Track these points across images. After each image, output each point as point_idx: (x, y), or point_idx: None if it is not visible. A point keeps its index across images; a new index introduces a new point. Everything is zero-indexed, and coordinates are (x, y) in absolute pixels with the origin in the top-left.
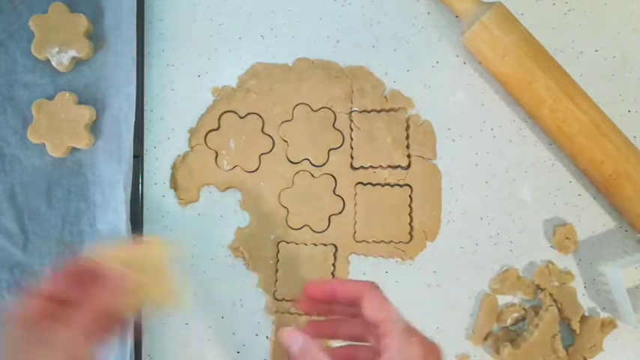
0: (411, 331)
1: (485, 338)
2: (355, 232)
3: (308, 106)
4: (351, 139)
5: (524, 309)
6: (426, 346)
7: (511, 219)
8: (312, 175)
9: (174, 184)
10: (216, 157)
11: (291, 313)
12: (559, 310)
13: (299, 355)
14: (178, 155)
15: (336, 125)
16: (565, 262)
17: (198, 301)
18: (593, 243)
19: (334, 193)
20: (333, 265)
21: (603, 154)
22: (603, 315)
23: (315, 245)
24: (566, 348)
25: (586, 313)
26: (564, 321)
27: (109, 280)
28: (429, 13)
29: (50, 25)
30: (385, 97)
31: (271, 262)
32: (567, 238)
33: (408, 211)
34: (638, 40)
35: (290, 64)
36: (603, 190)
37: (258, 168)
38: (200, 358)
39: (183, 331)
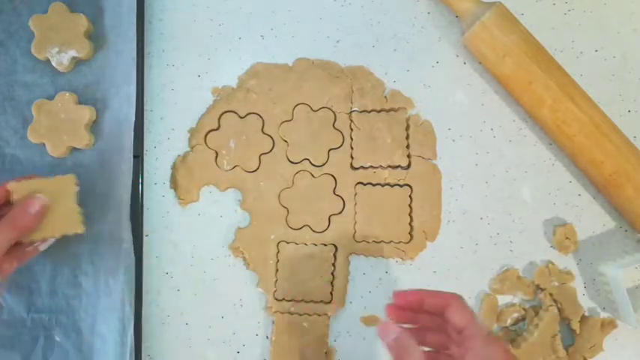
0: (493, 337)
1: None
2: (355, 232)
3: (308, 106)
4: (351, 139)
5: (524, 309)
6: (507, 352)
7: (511, 219)
8: (312, 175)
9: (174, 184)
10: (216, 157)
11: (291, 313)
12: (559, 310)
13: (393, 344)
14: (178, 155)
15: (336, 125)
16: (565, 262)
17: (198, 301)
18: (593, 243)
19: (334, 193)
20: (333, 265)
21: (603, 154)
22: (603, 315)
23: (315, 245)
24: (566, 348)
25: (586, 313)
26: (564, 321)
27: (25, 204)
28: (429, 13)
29: (50, 25)
30: (385, 97)
31: (271, 262)
32: (567, 238)
33: (408, 211)
34: (638, 40)
35: (290, 64)
36: (603, 190)
37: (258, 168)
38: (200, 358)
39: (183, 331)
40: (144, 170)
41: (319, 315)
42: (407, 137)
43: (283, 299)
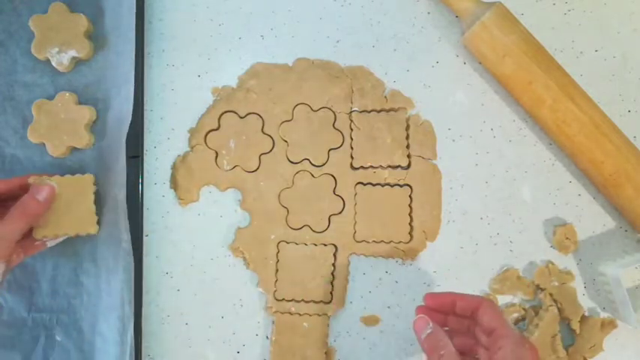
0: (524, 338)
1: None
2: (355, 232)
3: (308, 106)
4: (351, 139)
5: (524, 309)
6: (537, 355)
7: (511, 219)
8: (312, 175)
9: (174, 184)
10: (216, 157)
11: (292, 313)
12: (559, 310)
13: (427, 339)
14: (178, 155)
15: (336, 125)
16: (565, 262)
17: (198, 301)
18: (593, 243)
19: (334, 193)
20: (333, 265)
21: (603, 154)
22: (603, 315)
23: (315, 245)
24: (566, 348)
25: (586, 313)
26: (564, 321)
27: (37, 190)
28: (429, 13)
29: (50, 25)
30: (385, 97)
31: (271, 262)
32: (567, 238)
33: (408, 211)
34: (638, 40)
35: (290, 64)
36: (603, 190)
37: (258, 168)
38: (200, 358)
39: (183, 331)
40: (144, 170)
41: (319, 315)
42: (407, 137)
43: (283, 299)
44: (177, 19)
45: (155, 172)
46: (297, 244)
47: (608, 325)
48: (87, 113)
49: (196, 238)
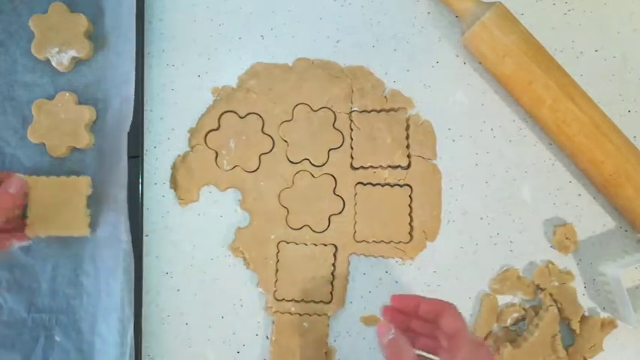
0: (482, 342)
1: (486, 338)
2: (355, 232)
3: (308, 106)
4: (351, 139)
5: (524, 309)
6: (494, 357)
7: (511, 219)
8: (312, 175)
9: (174, 184)
10: (216, 157)
11: (292, 314)
12: (559, 310)
13: (388, 344)
14: (178, 155)
15: (336, 125)
16: (565, 262)
17: (198, 301)
18: (593, 243)
19: (334, 193)
20: (333, 265)
21: (603, 154)
22: (603, 315)
23: (315, 245)
24: (566, 348)
25: (586, 313)
26: (564, 321)
27: (8, 183)
28: (429, 13)
29: (50, 25)
30: (385, 97)
31: (271, 262)
32: (567, 238)
33: (408, 211)
34: (638, 40)
35: (290, 64)
36: (603, 190)
37: (258, 168)
38: (200, 358)
39: (183, 331)
40: (144, 170)
41: (319, 315)
42: (407, 137)
43: (283, 299)
44: (177, 19)
45: (155, 172)
46: (297, 244)
47: (608, 325)
48: (87, 113)
49: (196, 238)
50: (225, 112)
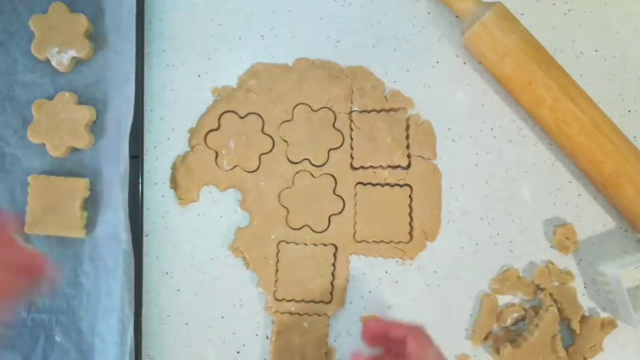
0: None
1: (485, 338)
2: (355, 232)
3: (308, 106)
4: (351, 139)
5: (524, 309)
6: None
7: (511, 219)
8: (312, 175)
9: (174, 184)
10: (216, 157)
11: (292, 314)
12: (559, 310)
13: None
14: (178, 155)
15: (336, 125)
16: (565, 262)
17: (198, 301)
18: (593, 243)
19: (334, 193)
20: (333, 265)
21: (603, 154)
22: (603, 315)
23: (315, 245)
24: (566, 348)
25: (586, 313)
26: (564, 321)
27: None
28: (429, 13)
29: (50, 25)
30: (385, 97)
31: (271, 262)
32: (567, 238)
33: (408, 211)
34: (638, 40)
35: (290, 64)
36: (603, 190)
37: (258, 168)
38: (200, 358)
39: (183, 331)
40: (144, 170)
41: (319, 315)
42: (407, 137)
43: (283, 299)
44: (177, 19)
45: (155, 172)
46: (297, 244)
47: (608, 325)
48: (87, 113)
49: (196, 238)
50: (225, 112)
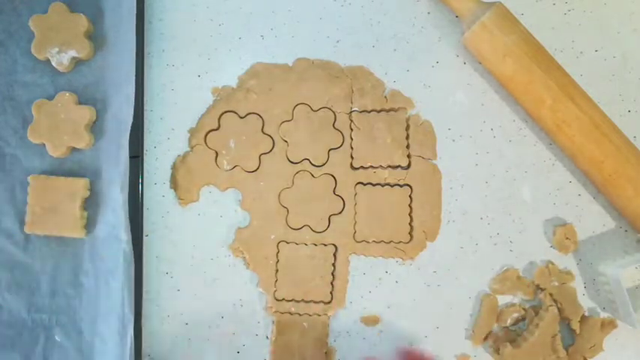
0: None
1: (485, 338)
2: (355, 232)
3: (308, 106)
4: (351, 139)
5: (524, 309)
6: None
7: (511, 219)
8: (312, 175)
9: (174, 184)
10: (216, 157)
11: (292, 314)
12: (559, 310)
13: None
14: (178, 155)
15: (336, 125)
16: (565, 262)
17: (198, 301)
18: (593, 243)
19: (334, 193)
20: (333, 265)
21: (603, 154)
22: (603, 315)
23: (315, 245)
24: (566, 348)
25: (586, 313)
26: (564, 321)
27: None
28: (429, 13)
29: (50, 25)
30: (385, 97)
31: (271, 262)
32: (567, 238)
33: (408, 211)
34: (638, 40)
35: (290, 64)
36: (603, 190)
37: (258, 168)
38: (200, 358)
39: (183, 331)
40: (144, 170)
41: (319, 315)
42: (407, 137)
43: (283, 299)
44: (177, 19)
45: (155, 172)
46: (297, 244)
47: (608, 325)
48: (87, 113)
49: (196, 238)
50: (225, 112)
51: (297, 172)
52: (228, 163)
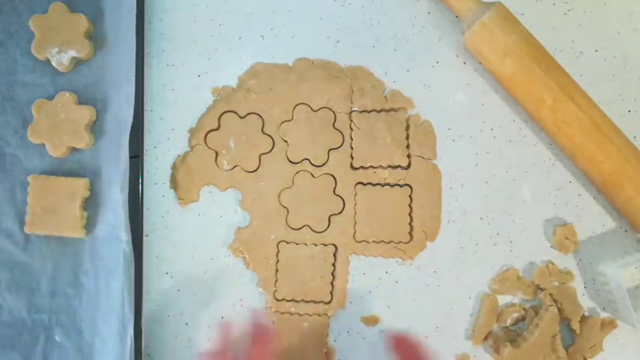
0: None
1: (485, 338)
2: (355, 232)
3: (308, 106)
4: (351, 139)
5: (524, 309)
6: None
7: (511, 219)
8: (312, 175)
9: (174, 184)
10: (216, 157)
11: (292, 314)
12: (559, 310)
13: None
14: (178, 155)
15: (336, 125)
16: (565, 262)
17: (198, 301)
18: (593, 243)
19: (334, 193)
20: (333, 265)
21: (603, 154)
22: (603, 315)
23: (315, 245)
24: (566, 348)
25: (586, 313)
26: (564, 321)
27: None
28: (429, 13)
29: (50, 25)
30: (385, 97)
31: (271, 262)
32: (567, 238)
33: (408, 211)
34: (638, 40)
35: (290, 64)
36: (603, 190)
37: (258, 168)
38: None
39: (183, 331)
40: (144, 170)
41: (319, 315)
42: (407, 137)
43: (283, 299)
44: (177, 19)
45: (155, 172)
46: (297, 244)
47: (608, 325)
48: (87, 113)
49: (196, 238)
50: (225, 112)
51: (297, 172)
52: (228, 163)
